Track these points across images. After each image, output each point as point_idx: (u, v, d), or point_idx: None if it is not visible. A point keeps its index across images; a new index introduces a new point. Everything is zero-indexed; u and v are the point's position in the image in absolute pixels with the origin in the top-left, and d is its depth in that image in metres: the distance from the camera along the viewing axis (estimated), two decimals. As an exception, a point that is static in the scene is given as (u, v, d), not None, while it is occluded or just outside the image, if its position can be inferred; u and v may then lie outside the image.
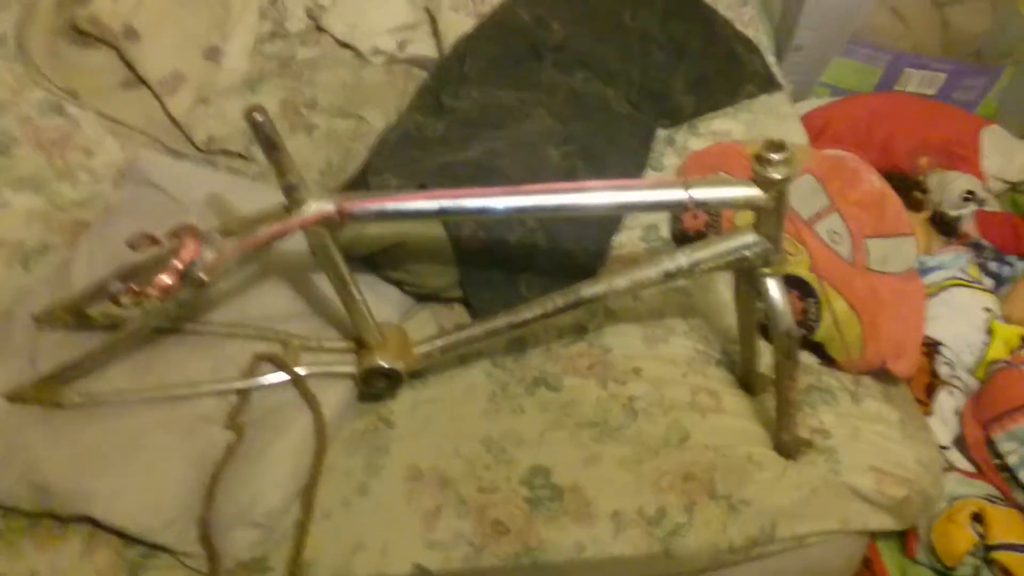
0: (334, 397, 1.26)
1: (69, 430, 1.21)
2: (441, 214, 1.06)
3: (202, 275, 1.03)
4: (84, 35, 1.79)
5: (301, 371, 1.26)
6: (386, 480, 1.24)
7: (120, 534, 1.17)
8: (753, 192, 0.98)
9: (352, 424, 1.30)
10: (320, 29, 1.94)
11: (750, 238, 1.05)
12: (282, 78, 1.82)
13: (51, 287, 1.37)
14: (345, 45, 1.91)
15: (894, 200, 1.41)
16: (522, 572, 1.19)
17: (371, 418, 1.30)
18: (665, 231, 1.56)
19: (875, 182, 1.42)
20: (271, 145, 0.98)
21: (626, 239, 1.55)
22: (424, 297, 1.44)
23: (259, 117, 0.94)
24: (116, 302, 1.04)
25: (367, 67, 1.87)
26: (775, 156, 0.94)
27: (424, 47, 1.91)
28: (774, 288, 1.08)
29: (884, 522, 1.26)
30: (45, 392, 1.24)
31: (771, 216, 1.01)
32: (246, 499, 1.15)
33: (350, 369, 1.26)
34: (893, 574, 1.41)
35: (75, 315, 1.30)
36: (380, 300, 1.34)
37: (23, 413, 1.24)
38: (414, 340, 1.27)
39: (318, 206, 1.04)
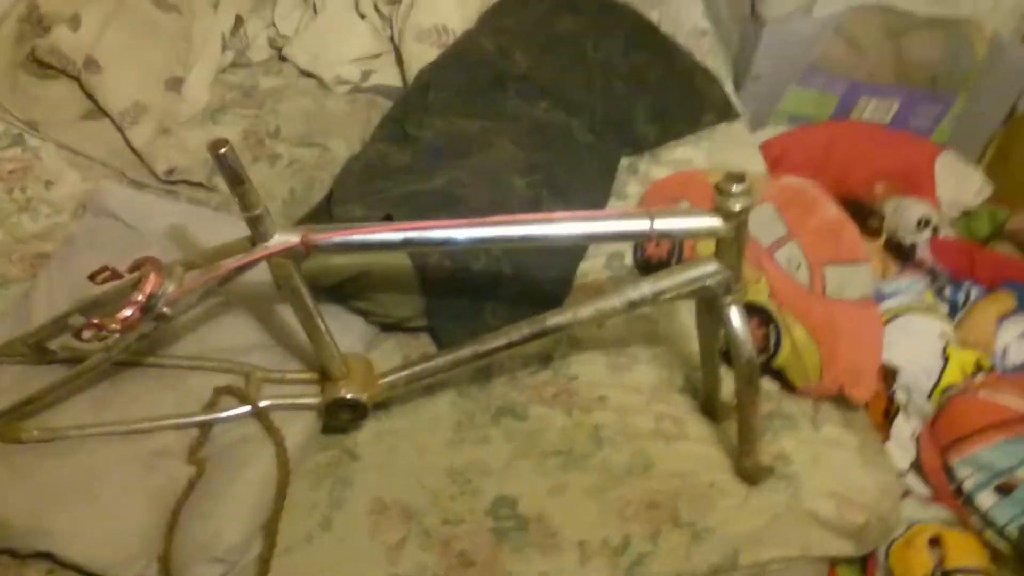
0: (297, 430, 1.25)
1: (28, 465, 1.19)
2: (406, 245, 1.06)
3: (164, 308, 1.03)
4: (45, 66, 1.79)
5: (264, 403, 1.25)
6: (350, 513, 1.23)
7: (80, 570, 1.15)
8: (714, 223, 1.00)
9: (315, 457, 1.29)
10: (283, 59, 1.95)
11: (711, 267, 1.06)
12: (245, 107, 1.83)
13: (10, 321, 1.35)
14: (308, 74, 1.92)
15: (850, 228, 1.43)
16: (488, 604, 1.19)
17: (335, 450, 1.30)
18: (629, 259, 1.57)
19: (832, 210, 1.45)
20: (236, 179, 0.98)
21: (590, 267, 1.56)
22: (389, 327, 1.44)
23: (223, 151, 0.94)
24: (78, 336, 1.03)
25: (330, 96, 1.88)
26: (735, 187, 0.96)
27: (388, 76, 1.92)
28: (735, 316, 1.09)
29: (844, 548, 1.27)
30: (4, 427, 1.22)
31: (732, 246, 1.03)
32: (207, 535, 1.13)
33: (314, 401, 1.26)
34: (855, 599, 1.42)
35: (35, 349, 1.28)
36: (345, 330, 1.34)
37: (-19, 449, 1.22)
38: (379, 370, 1.27)
39: (283, 238, 1.04)
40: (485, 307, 1.42)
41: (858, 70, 2.15)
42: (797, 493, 1.25)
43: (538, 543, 1.21)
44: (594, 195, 1.65)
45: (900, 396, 1.52)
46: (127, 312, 1.01)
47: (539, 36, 1.81)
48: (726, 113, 1.83)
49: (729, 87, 1.90)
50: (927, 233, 1.87)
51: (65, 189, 1.65)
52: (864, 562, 1.42)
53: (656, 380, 1.40)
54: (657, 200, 1.60)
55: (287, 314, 1.35)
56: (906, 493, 1.46)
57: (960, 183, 2.02)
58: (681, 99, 1.80)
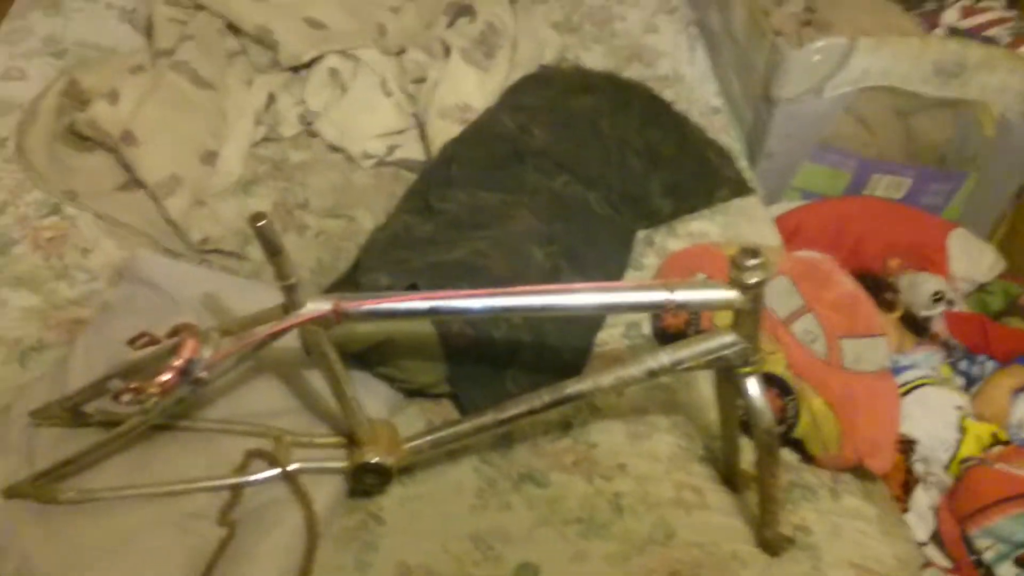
0: (325, 493, 1.27)
1: (63, 526, 1.21)
2: (432, 314, 1.10)
3: (202, 373, 1.07)
4: (83, 139, 1.85)
5: (293, 467, 1.27)
6: (375, 576, 1.25)
7: (110, 631, 1.17)
8: (731, 295, 1.03)
9: (342, 520, 1.31)
10: (312, 134, 2.01)
11: (729, 339, 1.10)
12: (275, 180, 1.88)
13: (48, 384, 1.38)
14: (336, 149, 1.98)
15: (866, 301, 1.47)
16: (511, 671, 1.19)
17: (361, 514, 1.32)
18: (647, 329, 1.61)
19: (847, 284, 1.48)
20: (273, 249, 1.02)
21: (608, 336, 1.59)
22: (413, 392, 1.47)
23: (262, 224, 0.99)
24: (116, 399, 1.07)
25: (357, 170, 1.94)
26: (750, 261, 1.00)
27: (412, 151, 1.98)
28: (754, 387, 1.12)
29: (865, 618, 1.28)
30: (41, 488, 1.24)
31: (749, 317, 1.06)
32: (237, 596, 1.16)
33: (341, 465, 1.28)
34: (876, 670, 1.41)
35: (72, 412, 1.32)
36: (370, 395, 1.37)
37: (19, 509, 1.24)
38: (404, 436, 1.29)
39: (315, 306, 1.07)
40: (506, 374, 1.45)
41: (869, 148, 2.20)
42: (818, 564, 1.27)
43: (560, 611, 1.22)
44: (611, 266, 1.69)
45: (919, 467, 1.53)
46: (166, 376, 1.05)
47: (557, 113, 1.87)
48: (740, 189, 1.88)
49: (743, 163, 1.95)
50: (941, 307, 1.90)
51: (101, 257, 1.69)
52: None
53: (675, 449, 1.42)
54: (673, 272, 1.64)
55: (315, 379, 1.39)
56: (927, 564, 1.47)
57: (973, 259, 2.06)
58: (695, 174, 1.85)
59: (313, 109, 2.00)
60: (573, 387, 1.18)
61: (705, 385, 1.49)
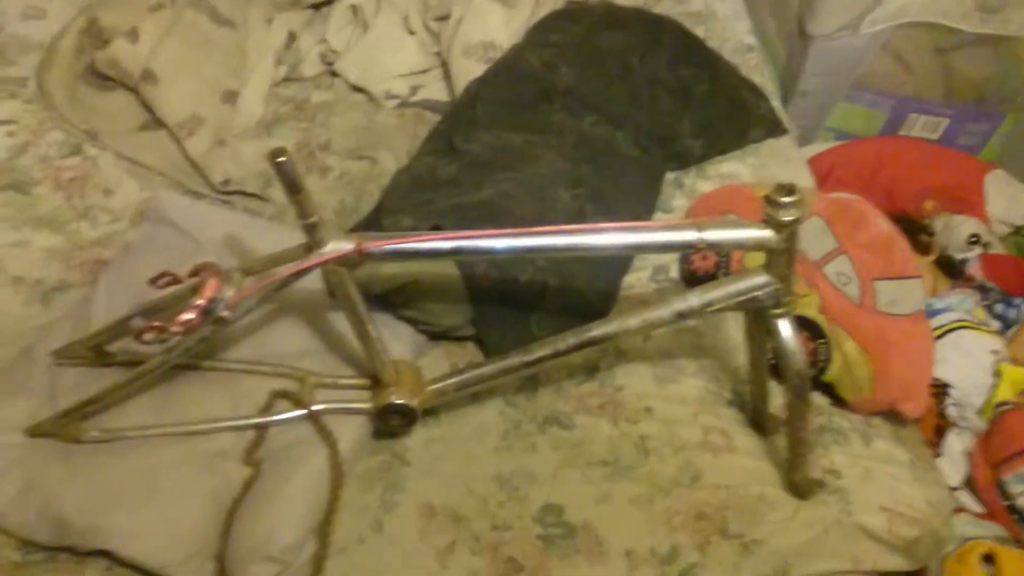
0: (349, 433, 1.27)
1: (88, 465, 1.22)
2: (456, 254, 1.08)
3: (224, 313, 1.05)
4: (103, 78, 1.83)
5: (317, 407, 1.27)
6: (400, 517, 1.25)
7: (137, 569, 1.18)
8: (764, 234, 1.00)
9: (366, 461, 1.31)
10: (334, 74, 1.98)
11: (761, 279, 1.07)
12: (297, 121, 1.86)
13: (70, 324, 1.39)
14: (358, 89, 1.95)
15: (901, 243, 1.43)
16: (535, 610, 1.19)
17: (385, 455, 1.32)
18: (674, 272, 1.58)
19: (882, 225, 1.44)
20: (293, 186, 1.00)
21: (635, 280, 1.57)
22: (437, 335, 1.46)
23: (282, 159, 0.97)
24: (139, 338, 1.06)
25: (380, 111, 1.91)
26: (786, 198, 0.96)
27: (436, 91, 1.95)
28: (786, 329, 1.09)
29: (895, 562, 1.26)
30: (65, 428, 1.25)
31: (782, 257, 1.03)
32: (263, 534, 1.15)
33: (365, 406, 1.28)
34: (904, 615, 1.40)
35: (95, 352, 1.32)
36: (394, 338, 1.36)
37: (43, 448, 1.25)
38: (428, 378, 1.28)
39: (337, 245, 1.06)
40: (531, 318, 1.43)
41: (906, 87, 2.15)
42: (847, 507, 1.25)
43: (585, 551, 1.22)
44: (639, 208, 1.66)
45: (952, 412, 1.51)
46: (188, 315, 1.03)
47: (585, 51, 1.82)
48: (773, 129, 1.83)
49: (776, 103, 1.90)
50: (977, 250, 1.85)
51: (123, 197, 1.69)
52: (915, 577, 1.41)
53: (703, 392, 1.40)
54: (703, 214, 1.61)
55: (339, 321, 1.38)
56: (959, 509, 1.45)
57: (1010, 200, 2.01)
58: (727, 114, 1.80)
59: (335, 48, 1.97)
60: (599, 329, 1.17)
61: (733, 328, 1.47)
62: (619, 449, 1.33)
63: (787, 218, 0.97)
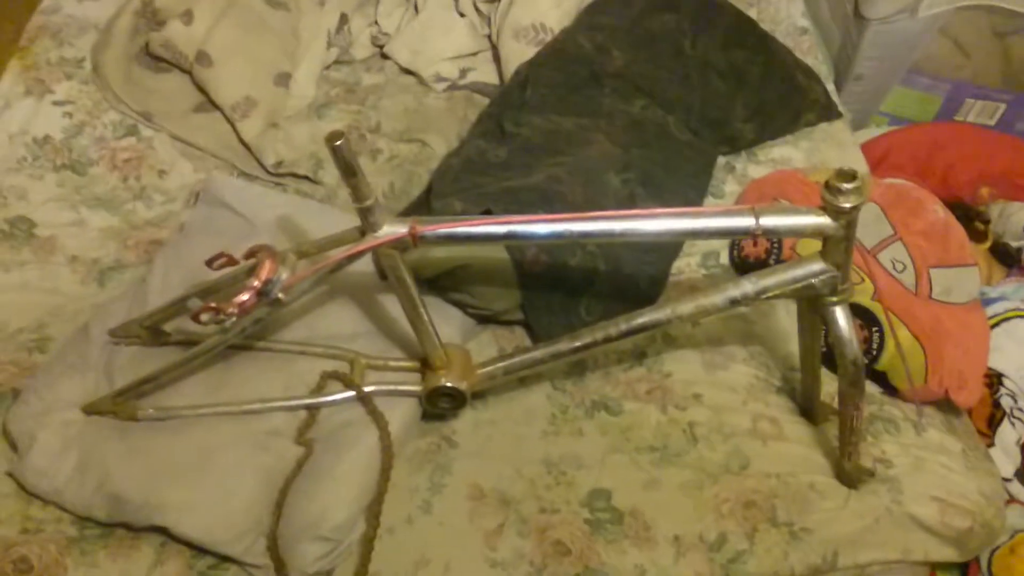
0: (399, 415, 1.28)
1: (144, 443, 1.24)
2: (510, 238, 1.08)
3: (279, 294, 1.07)
4: (158, 60, 1.86)
5: (368, 389, 1.28)
6: (449, 498, 1.26)
7: (191, 545, 1.20)
8: (822, 220, 0.99)
9: (416, 443, 1.32)
10: (384, 56, 1.98)
11: (818, 266, 1.06)
12: (347, 103, 1.87)
13: (127, 303, 1.41)
14: (408, 72, 1.95)
15: (958, 230, 1.41)
16: (583, 593, 1.20)
17: (434, 437, 1.33)
18: (724, 258, 1.57)
19: (939, 212, 1.42)
20: (349, 170, 1.01)
21: (684, 265, 1.56)
22: (486, 319, 1.47)
23: (339, 143, 0.97)
24: (195, 319, 1.08)
25: (429, 93, 1.91)
26: (846, 185, 0.95)
27: (485, 74, 1.95)
28: (841, 317, 1.08)
29: (946, 553, 1.25)
30: (121, 406, 1.27)
31: (839, 245, 1.02)
32: (314, 513, 1.17)
33: (415, 388, 1.29)
34: (954, 606, 1.39)
35: (150, 332, 1.34)
36: (443, 321, 1.36)
37: (99, 426, 1.27)
38: (477, 361, 1.29)
39: (391, 229, 1.06)
40: (580, 303, 1.43)
41: (963, 71, 2.10)
42: (898, 497, 1.24)
43: (632, 536, 1.22)
44: (690, 193, 1.64)
45: (1006, 402, 1.48)
46: (244, 297, 1.05)
47: (636, 33, 1.81)
48: (827, 112, 1.80)
49: (830, 86, 1.87)
50: (1034, 237, 1.82)
51: (178, 179, 1.71)
52: (965, 568, 1.39)
53: (752, 380, 1.39)
54: (755, 199, 1.59)
55: (389, 304, 1.39)
56: (1010, 500, 1.43)
57: (1068, 187, 1.96)
58: (781, 97, 1.78)
59: (385, 30, 1.97)
60: (651, 315, 1.16)
61: (783, 315, 1.46)
62: (667, 435, 1.32)
63: (847, 205, 0.96)
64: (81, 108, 1.77)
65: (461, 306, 1.44)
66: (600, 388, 1.39)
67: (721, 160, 1.74)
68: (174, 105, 1.81)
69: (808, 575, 1.20)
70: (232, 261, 1.13)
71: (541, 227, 1.06)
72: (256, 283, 1.06)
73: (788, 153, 1.75)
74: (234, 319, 1.07)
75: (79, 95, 1.78)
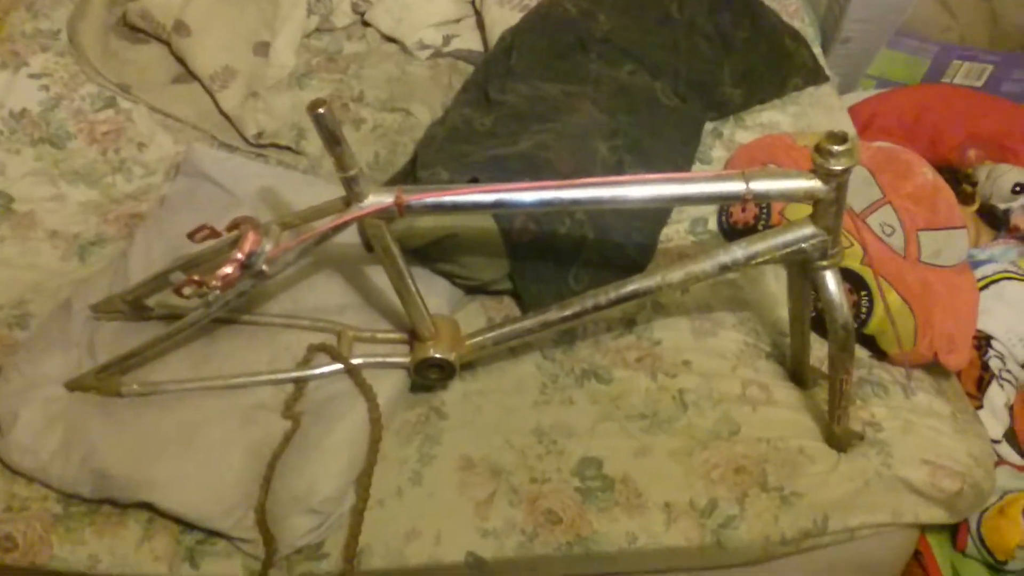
0: (388, 387, 1.27)
1: (128, 418, 1.23)
2: (498, 207, 1.06)
3: (263, 267, 1.05)
4: (135, 30, 1.83)
5: (355, 361, 1.27)
6: (439, 469, 1.25)
7: (178, 520, 1.19)
8: (813, 184, 0.98)
9: (404, 414, 1.31)
10: (366, 24, 1.95)
11: (808, 231, 1.05)
12: (329, 72, 1.84)
13: (108, 278, 1.39)
14: (391, 39, 1.93)
15: (947, 193, 1.40)
16: (574, 561, 1.20)
17: (423, 408, 1.32)
18: (713, 224, 1.56)
19: (928, 175, 1.41)
20: (332, 139, 0.99)
21: (673, 232, 1.55)
22: (474, 289, 1.45)
23: (322, 111, 0.95)
24: (178, 292, 1.06)
25: (413, 61, 1.89)
26: (837, 148, 0.94)
27: (469, 41, 1.92)
28: (831, 281, 1.08)
29: (935, 515, 1.26)
30: (104, 381, 1.26)
31: (830, 208, 1.01)
32: (303, 487, 1.16)
33: (403, 360, 1.27)
34: (944, 568, 1.40)
35: (133, 306, 1.32)
36: (431, 292, 1.35)
37: (83, 402, 1.26)
38: (465, 332, 1.28)
39: (377, 199, 1.05)
40: (569, 271, 1.42)
41: (950, 33, 2.09)
42: (888, 460, 1.24)
43: (623, 503, 1.22)
44: (678, 159, 1.63)
45: (994, 364, 1.49)
46: (227, 269, 1.03)
47: (622, -2, 1.79)
48: (815, 76, 1.79)
49: (817, 50, 1.86)
50: (1022, 199, 1.81)
51: (157, 151, 1.69)
52: (955, 530, 1.40)
53: (742, 346, 1.39)
54: (743, 164, 1.58)
55: (376, 275, 1.37)
56: (1000, 462, 1.43)
57: (1056, 149, 1.96)
58: (768, 61, 1.76)
59: (366, -3, 1.94)
60: (640, 283, 1.15)
61: (772, 281, 1.45)
62: (657, 402, 1.32)
63: (837, 167, 0.95)
64: (58, 81, 1.73)
65: (449, 276, 1.43)
66: (590, 357, 1.38)
67: (709, 126, 1.72)
68: (152, 76, 1.78)
69: (798, 539, 1.20)
70: (215, 233, 1.12)
71: (528, 195, 1.04)
72: (239, 255, 1.04)
73: (776, 118, 1.74)
74: (217, 292, 1.05)
75: (56, 67, 1.75)
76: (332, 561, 1.18)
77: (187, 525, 1.19)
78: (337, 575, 1.17)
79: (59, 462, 1.21)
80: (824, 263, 1.07)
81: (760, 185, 0.99)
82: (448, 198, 1.05)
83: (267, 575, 1.16)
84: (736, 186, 1.00)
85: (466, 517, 1.20)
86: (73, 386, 1.27)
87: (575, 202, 1.05)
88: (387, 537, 1.19)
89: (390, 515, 1.20)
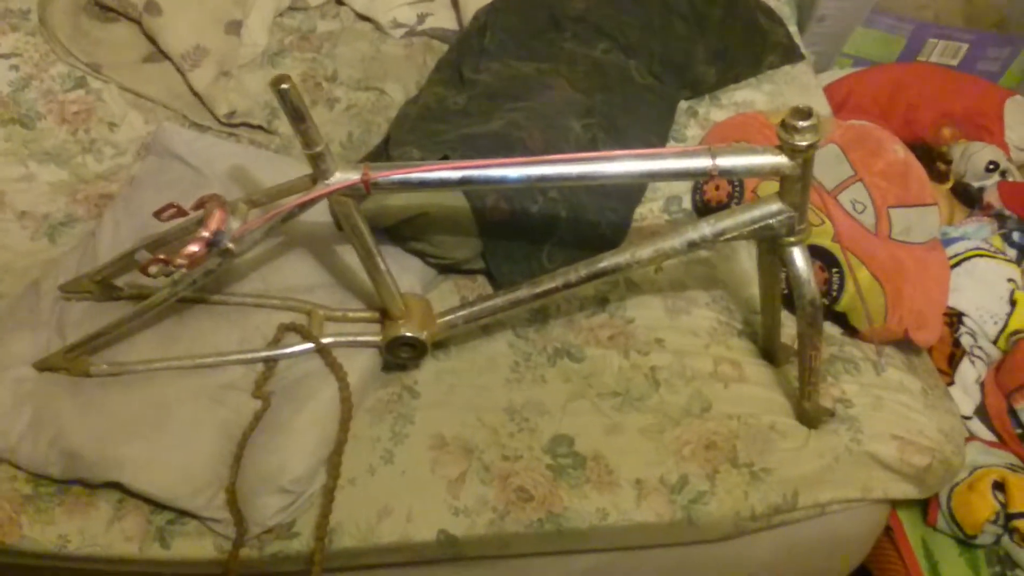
0: (359, 366, 1.26)
1: (97, 398, 1.22)
2: (465, 184, 1.05)
3: (230, 244, 1.04)
4: (106, 9, 1.81)
5: (326, 340, 1.27)
6: (411, 448, 1.25)
7: (148, 500, 1.19)
8: (779, 159, 0.98)
9: (376, 393, 1.31)
10: (340, 2, 1.94)
11: (775, 207, 1.05)
12: (302, 51, 1.83)
13: (77, 258, 1.38)
14: (365, 18, 1.91)
15: (918, 170, 1.40)
16: (546, 538, 1.20)
17: (395, 387, 1.31)
18: (687, 203, 1.56)
19: (899, 152, 1.41)
20: (297, 115, 0.98)
21: (647, 211, 1.55)
22: (446, 268, 1.45)
23: (285, 86, 0.95)
24: (144, 271, 1.05)
25: (387, 40, 1.88)
26: (801, 123, 0.94)
27: (444, 20, 1.91)
28: (799, 257, 1.08)
29: (906, 491, 1.27)
30: (73, 362, 1.25)
31: (796, 184, 1.01)
32: (273, 466, 1.16)
33: (375, 339, 1.27)
34: (914, 543, 1.41)
35: (102, 286, 1.31)
36: (403, 271, 1.35)
37: (52, 382, 1.25)
38: (437, 311, 1.28)
39: (343, 176, 1.04)
40: (542, 250, 1.42)
41: (925, 11, 2.10)
42: (858, 436, 1.25)
43: (595, 480, 1.22)
44: (652, 138, 1.63)
45: (966, 341, 1.50)
46: (193, 248, 1.02)
47: (597, -25, 1.78)
48: (790, 55, 1.79)
49: (793, 28, 1.85)
50: (996, 177, 1.82)
51: (128, 131, 1.67)
52: (925, 506, 1.41)
53: (714, 324, 1.39)
54: (717, 142, 1.58)
55: (347, 254, 1.37)
56: (970, 438, 1.44)
57: (1030, 127, 1.97)
58: (743, 40, 1.76)
59: (340, -26, 1.93)
60: (610, 260, 1.16)
61: (745, 259, 1.45)
62: (629, 380, 1.32)
63: (802, 143, 0.95)
64: (28, 61, 1.71)
65: (421, 255, 1.42)
66: (562, 335, 1.38)
67: (684, 104, 1.72)
68: (123, 56, 1.76)
69: (769, 514, 1.21)
70: (181, 212, 1.11)
71: (496, 171, 1.04)
72: (205, 233, 1.03)
73: (751, 96, 1.74)
74: (184, 271, 1.05)
75: (26, 47, 1.72)
76: (303, 540, 1.18)
77: (158, 505, 1.19)
78: (309, 554, 1.16)
79: (28, 443, 1.20)
80: (792, 239, 1.07)
81: (726, 161, 0.99)
82: (415, 175, 1.05)
83: (238, 555, 1.16)
84: (703, 162, 1.00)
85: (438, 495, 1.20)
86: (42, 366, 1.26)
87: (542, 178, 1.04)
88: (359, 516, 1.19)
89: (362, 494, 1.20)
